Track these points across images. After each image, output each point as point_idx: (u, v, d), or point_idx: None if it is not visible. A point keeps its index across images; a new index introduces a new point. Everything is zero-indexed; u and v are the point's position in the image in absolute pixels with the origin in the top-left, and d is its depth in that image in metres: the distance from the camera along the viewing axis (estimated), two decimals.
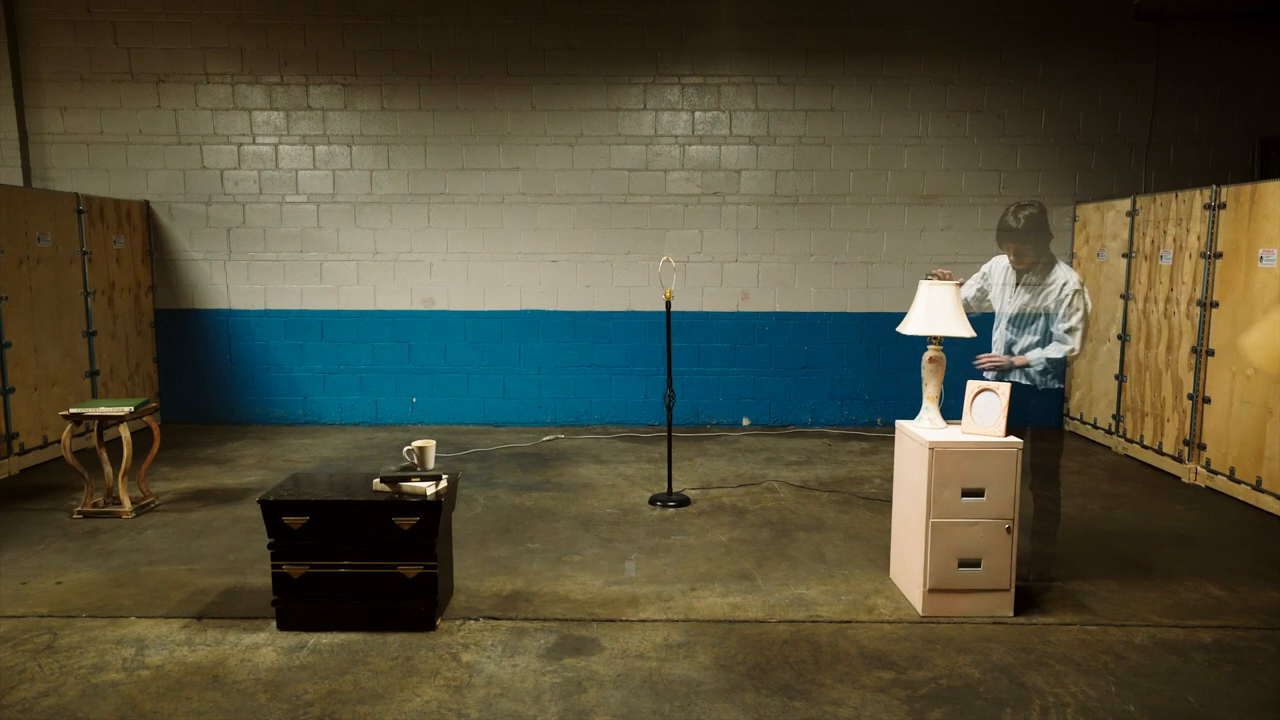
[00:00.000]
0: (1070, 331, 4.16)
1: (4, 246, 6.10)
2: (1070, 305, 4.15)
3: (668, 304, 5.56)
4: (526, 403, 8.04)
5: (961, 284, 4.17)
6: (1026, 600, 4.06)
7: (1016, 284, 4.33)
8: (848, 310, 7.95)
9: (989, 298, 4.49)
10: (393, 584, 3.75)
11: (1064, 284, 4.17)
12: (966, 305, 4.40)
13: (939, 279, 4.01)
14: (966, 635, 3.75)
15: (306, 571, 3.75)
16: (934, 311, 3.95)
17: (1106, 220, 7.29)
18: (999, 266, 4.45)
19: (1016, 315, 4.33)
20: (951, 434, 3.94)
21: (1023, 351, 4.28)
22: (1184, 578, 4.39)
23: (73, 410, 5.23)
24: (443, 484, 3.86)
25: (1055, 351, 4.19)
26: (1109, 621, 3.89)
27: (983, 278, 4.52)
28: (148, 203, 7.87)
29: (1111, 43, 7.70)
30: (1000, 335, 4.42)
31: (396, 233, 7.92)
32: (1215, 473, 5.87)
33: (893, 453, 4.41)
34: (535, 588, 4.25)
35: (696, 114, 7.82)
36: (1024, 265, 4.30)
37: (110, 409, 5.21)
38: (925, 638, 3.73)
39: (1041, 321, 4.25)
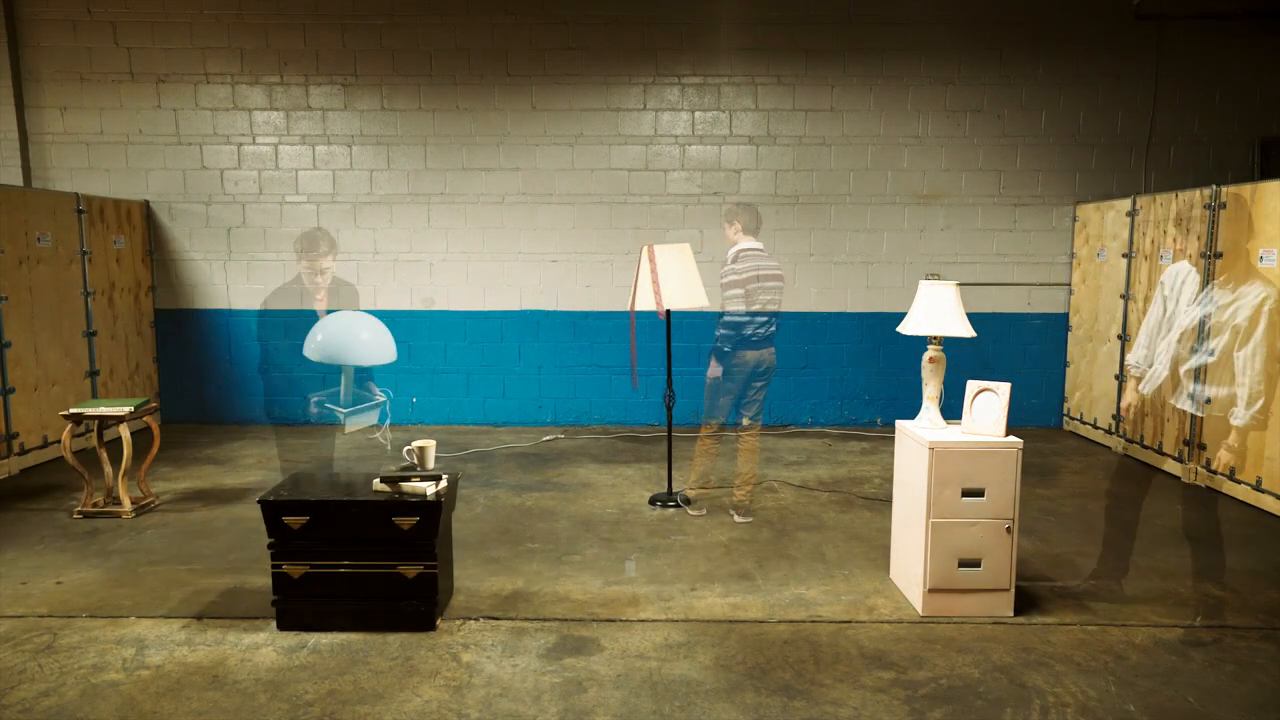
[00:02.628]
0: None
1: (4, 246, 6.10)
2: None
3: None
4: (526, 403, 8.04)
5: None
6: (1026, 600, 4.06)
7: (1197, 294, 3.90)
8: (848, 310, 7.95)
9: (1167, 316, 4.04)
10: (393, 584, 3.75)
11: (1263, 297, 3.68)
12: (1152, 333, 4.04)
13: None
14: (966, 635, 3.75)
15: (306, 571, 3.75)
16: (934, 311, 3.95)
17: (1106, 220, 7.29)
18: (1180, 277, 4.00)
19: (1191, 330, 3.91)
20: (951, 434, 3.94)
21: (1189, 371, 3.87)
22: (1184, 578, 4.39)
23: (73, 410, 5.23)
24: (443, 484, 3.86)
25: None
26: (1109, 621, 3.89)
27: (1163, 300, 4.05)
28: (148, 203, 7.87)
29: (1111, 43, 7.70)
30: (1166, 349, 3.95)
31: (396, 233, 7.92)
32: (1215, 473, 5.87)
33: (893, 453, 4.41)
34: (535, 588, 4.25)
35: (696, 114, 7.82)
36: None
37: (110, 409, 5.21)
38: (925, 638, 3.73)
39: (1224, 339, 3.77)
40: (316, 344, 3.93)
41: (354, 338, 3.94)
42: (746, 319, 5.07)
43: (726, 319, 5.09)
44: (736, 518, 5.28)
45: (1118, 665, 3.50)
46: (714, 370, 5.22)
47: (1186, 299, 3.92)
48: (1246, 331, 3.67)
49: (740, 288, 5.04)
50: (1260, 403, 3.66)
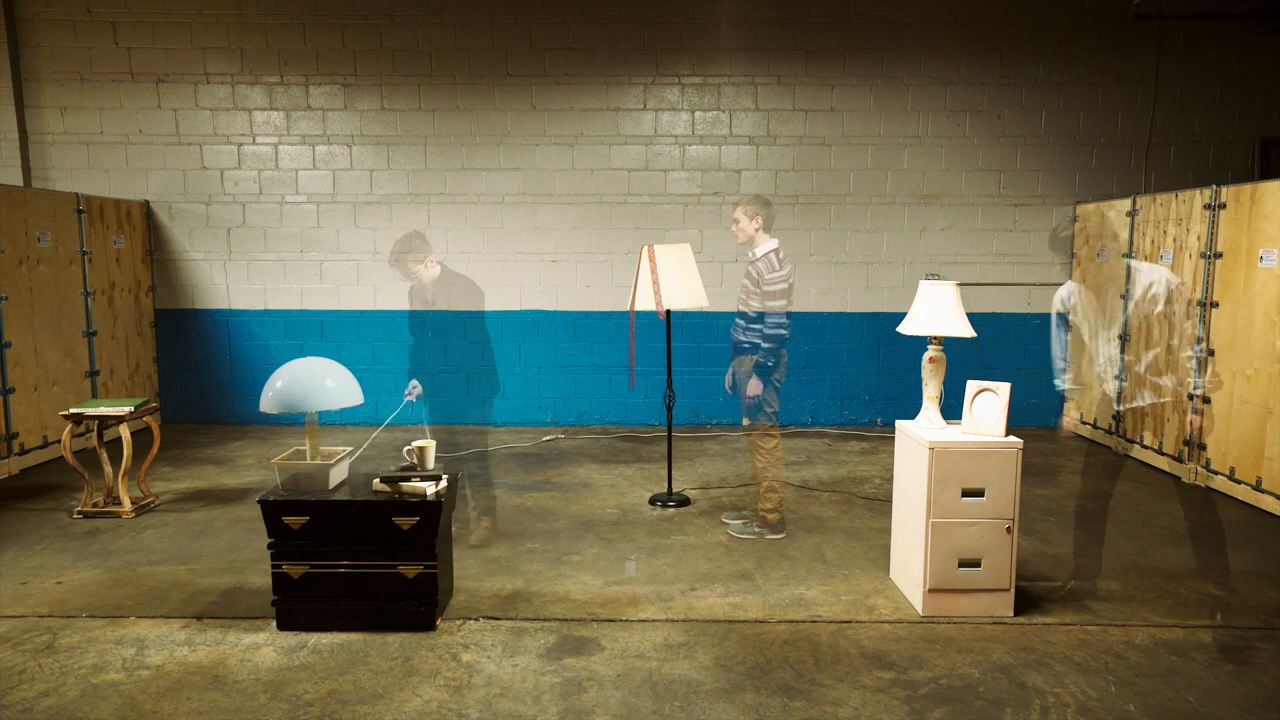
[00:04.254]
0: None
1: (4, 246, 6.10)
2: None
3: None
4: (526, 403, 8.04)
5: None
6: (1026, 600, 4.06)
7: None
8: (848, 310, 7.95)
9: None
10: (393, 584, 3.75)
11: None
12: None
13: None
14: (966, 635, 3.75)
15: (306, 571, 3.75)
16: (934, 311, 3.95)
17: (1106, 220, 7.29)
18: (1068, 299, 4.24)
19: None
20: (951, 434, 3.94)
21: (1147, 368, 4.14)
22: (1184, 578, 4.39)
23: (73, 410, 5.23)
24: (443, 484, 3.86)
25: None
26: (1109, 621, 3.89)
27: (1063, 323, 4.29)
28: (148, 203, 7.87)
29: (1111, 43, 7.70)
30: (1106, 364, 4.23)
31: (396, 233, 7.91)
32: (1215, 473, 5.87)
33: (893, 453, 4.41)
34: (535, 588, 4.25)
35: (696, 114, 7.82)
36: None
37: (110, 409, 5.21)
38: (925, 638, 3.73)
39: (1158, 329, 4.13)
40: (275, 391, 3.73)
41: (318, 385, 3.75)
42: (788, 324, 4.80)
43: (770, 331, 4.74)
44: (769, 535, 4.98)
45: (1118, 665, 3.50)
46: (755, 387, 4.83)
47: (1087, 312, 4.20)
48: (1166, 313, 4.04)
49: (785, 298, 4.75)
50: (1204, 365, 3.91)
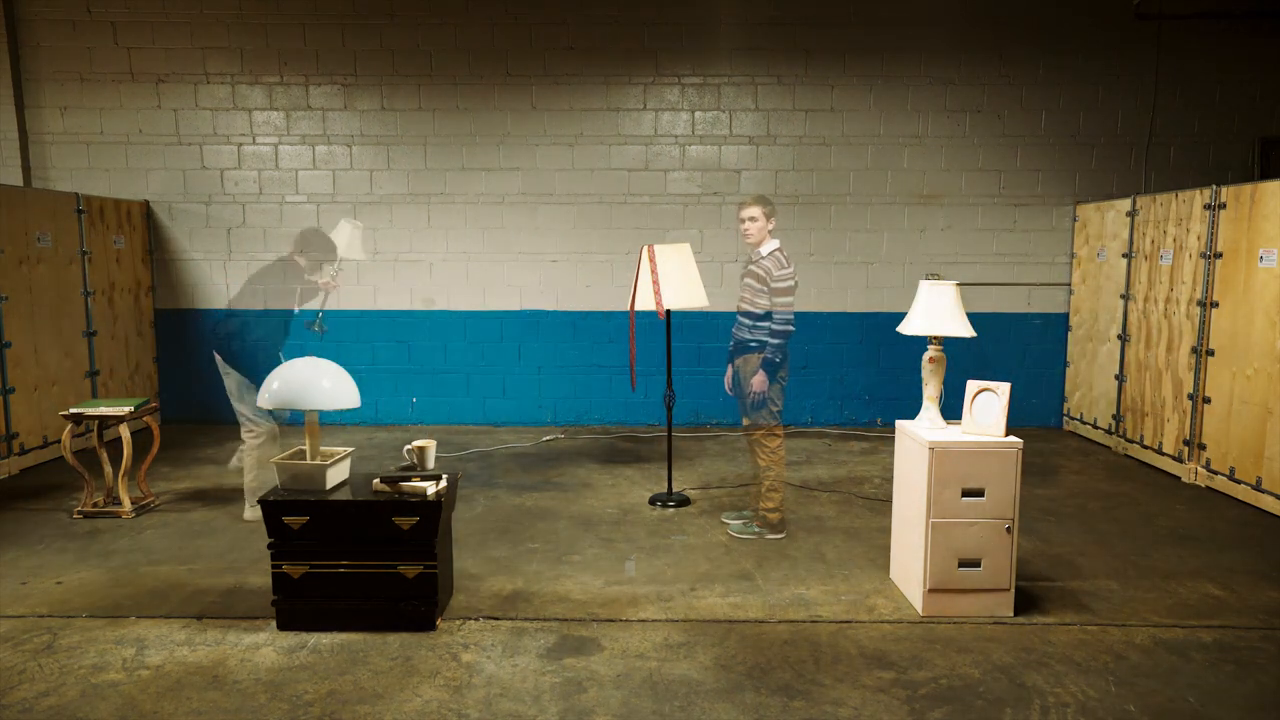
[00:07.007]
0: None
1: (4, 246, 6.10)
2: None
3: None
4: (526, 403, 8.04)
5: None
6: (1026, 600, 4.06)
7: None
8: (848, 310, 7.95)
9: None
10: (393, 584, 3.75)
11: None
12: None
13: None
14: (966, 635, 3.75)
15: (306, 571, 3.75)
16: (934, 311, 3.95)
17: (1106, 220, 7.29)
18: None
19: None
20: (951, 434, 3.94)
21: None
22: (1184, 578, 4.39)
23: (73, 410, 5.23)
24: (443, 484, 3.86)
25: None
26: (1109, 621, 3.89)
27: None
28: (148, 203, 7.87)
29: (1111, 43, 7.70)
30: None
31: (396, 233, 7.92)
32: (1215, 473, 5.87)
33: (893, 453, 4.41)
34: (535, 588, 4.25)
35: (696, 114, 7.82)
36: None
37: (110, 409, 5.22)
38: (925, 638, 3.73)
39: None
40: (272, 392, 3.80)
41: (314, 385, 3.80)
42: (793, 321, 4.82)
43: (778, 327, 4.75)
44: (769, 535, 5.00)
45: (1118, 665, 3.50)
46: (761, 383, 4.79)
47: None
48: None
49: (792, 294, 4.79)
50: None
